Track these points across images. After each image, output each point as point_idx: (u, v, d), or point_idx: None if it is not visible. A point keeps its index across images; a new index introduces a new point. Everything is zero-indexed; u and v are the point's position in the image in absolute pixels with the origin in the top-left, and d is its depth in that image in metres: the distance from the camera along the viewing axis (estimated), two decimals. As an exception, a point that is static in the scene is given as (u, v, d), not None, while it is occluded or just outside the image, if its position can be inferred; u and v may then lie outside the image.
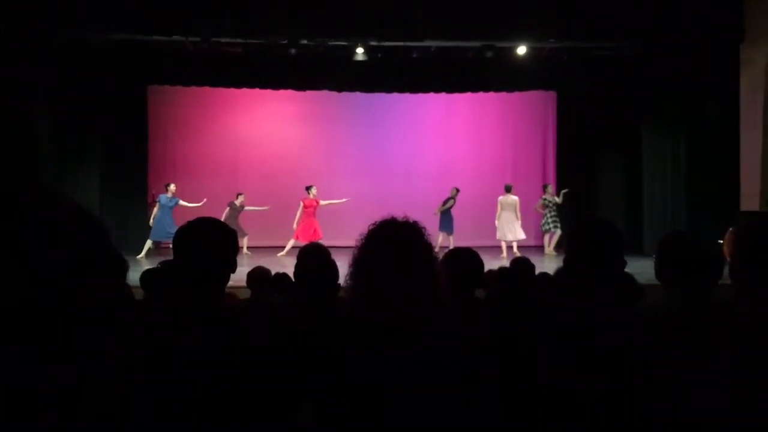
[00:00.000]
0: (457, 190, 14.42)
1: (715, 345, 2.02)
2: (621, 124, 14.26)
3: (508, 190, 14.06)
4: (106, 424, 1.50)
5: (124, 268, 2.61)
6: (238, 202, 13.94)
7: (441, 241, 13.35)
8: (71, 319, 1.10)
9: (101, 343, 1.27)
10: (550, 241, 14.17)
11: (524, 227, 14.02)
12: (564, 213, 14.24)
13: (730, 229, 10.31)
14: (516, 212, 13.84)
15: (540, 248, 14.43)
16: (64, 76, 12.65)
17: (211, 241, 2.22)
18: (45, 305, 1.05)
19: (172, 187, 13.46)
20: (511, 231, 13.74)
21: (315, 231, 13.27)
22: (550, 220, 14.12)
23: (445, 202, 14.26)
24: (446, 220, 14.09)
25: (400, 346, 2.01)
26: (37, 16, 10.83)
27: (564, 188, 14.70)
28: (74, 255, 1.04)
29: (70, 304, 1.07)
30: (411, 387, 1.99)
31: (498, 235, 13.77)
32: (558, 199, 14.29)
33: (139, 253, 12.91)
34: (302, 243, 11.74)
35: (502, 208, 13.87)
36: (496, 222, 13.84)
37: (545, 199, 14.30)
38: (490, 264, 4.01)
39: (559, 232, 13.98)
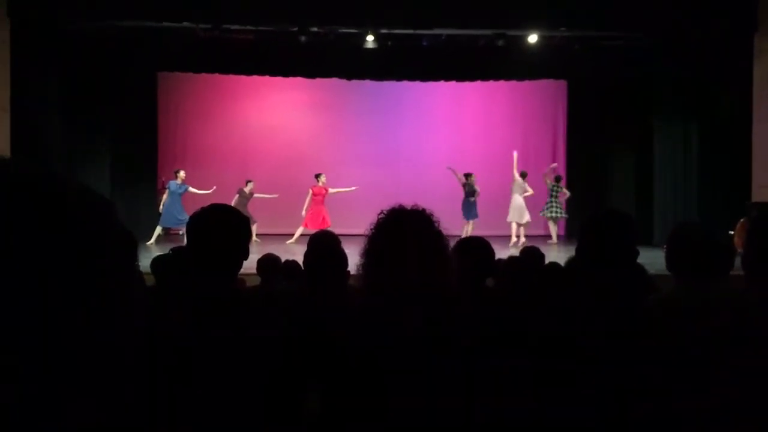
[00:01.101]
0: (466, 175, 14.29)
1: (727, 337, 2.02)
2: (632, 113, 14.20)
3: (523, 176, 14.07)
4: (115, 410, 1.51)
5: (133, 246, 2.61)
6: (247, 190, 13.96)
7: (471, 230, 13.26)
8: (83, 303, 1.10)
9: (114, 328, 1.27)
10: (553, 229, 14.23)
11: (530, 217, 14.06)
12: (574, 203, 14.26)
13: (742, 219, 10.28)
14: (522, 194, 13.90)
15: (548, 237, 14.41)
16: (74, 63, 12.65)
17: (225, 227, 2.22)
18: (55, 291, 1.05)
19: (182, 173, 13.49)
20: (517, 213, 13.77)
21: (324, 219, 13.30)
22: (560, 209, 14.14)
23: (472, 189, 14.10)
24: (471, 207, 13.99)
25: (409, 335, 2.01)
26: (46, 4, 10.84)
27: (574, 177, 14.70)
28: (82, 236, 1.04)
29: (80, 287, 1.07)
30: (419, 376, 2.00)
31: (508, 218, 13.88)
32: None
33: (149, 239, 12.97)
34: (311, 230, 11.75)
35: (513, 192, 13.94)
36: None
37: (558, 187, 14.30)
38: (500, 253, 4.00)
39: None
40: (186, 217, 12.17)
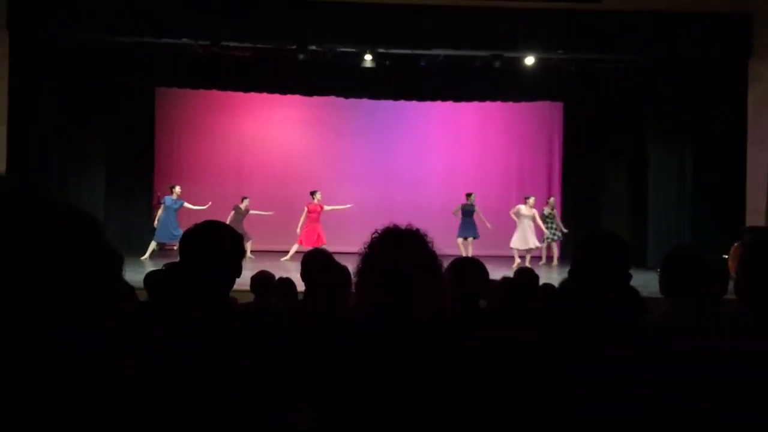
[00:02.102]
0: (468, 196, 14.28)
1: (720, 361, 2.02)
2: (627, 136, 14.25)
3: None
4: (105, 427, 1.50)
5: (119, 262, 2.61)
6: (242, 206, 13.96)
7: (470, 250, 13.24)
8: (66, 317, 1.10)
9: (98, 341, 1.27)
10: (547, 252, 14.20)
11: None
12: (568, 224, 14.28)
13: (735, 244, 10.29)
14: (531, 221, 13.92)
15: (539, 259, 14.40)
16: (72, 76, 12.69)
17: (218, 245, 2.22)
18: (41, 303, 1.05)
19: (177, 189, 13.49)
20: (523, 239, 13.78)
21: (319, 236, 13.29)
22: (557, 231, 14.15)
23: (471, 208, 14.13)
24: (469, 225, 13.99)
25: (403, 356, 2.01)
26: (45, 17, 10.88)
27: (569, 198, 14.70)
28: (67, 253, 1.04)
29: (65, 301, 1.07)
30: (413, 396, 1.99)
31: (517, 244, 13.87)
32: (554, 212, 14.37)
33: (143, 254, 12.94)
34: (306, 248, 11.74)
35: (520, 218, 13.91)
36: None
37: (550, 212, 14.30)
38: (494, 274, 4.00)
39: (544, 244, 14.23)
40: (181, 232, 12.13)
